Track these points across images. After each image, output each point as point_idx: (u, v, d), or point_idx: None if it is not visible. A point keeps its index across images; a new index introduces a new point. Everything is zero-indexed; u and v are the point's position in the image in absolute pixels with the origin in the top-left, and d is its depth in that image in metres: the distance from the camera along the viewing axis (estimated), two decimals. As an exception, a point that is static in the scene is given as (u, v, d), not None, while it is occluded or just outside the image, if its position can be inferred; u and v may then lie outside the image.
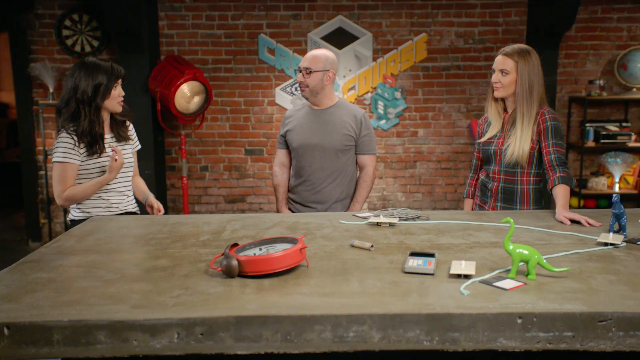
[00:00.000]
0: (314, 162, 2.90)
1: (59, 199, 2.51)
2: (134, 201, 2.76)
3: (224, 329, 1.31)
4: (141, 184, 2.84)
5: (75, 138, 2.48)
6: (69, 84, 2.48)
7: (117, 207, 2.63)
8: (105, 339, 1.30)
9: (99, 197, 2.58)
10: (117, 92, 2.53)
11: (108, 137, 2.60)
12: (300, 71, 2.87)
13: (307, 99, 2.93)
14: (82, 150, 2.50)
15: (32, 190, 5.46)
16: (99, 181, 2.52)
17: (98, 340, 1.30)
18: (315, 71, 2.84)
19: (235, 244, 1.70)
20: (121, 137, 2.64)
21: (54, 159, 2.49)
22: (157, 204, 2.72)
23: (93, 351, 1.30)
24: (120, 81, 2.54)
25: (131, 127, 2.75)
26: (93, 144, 2.50)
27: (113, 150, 2.50)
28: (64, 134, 2.48)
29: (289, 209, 3.03)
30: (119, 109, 2.57)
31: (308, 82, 2.86)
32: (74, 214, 2.61)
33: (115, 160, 2.48)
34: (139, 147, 2.80)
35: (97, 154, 2.52)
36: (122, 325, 1.30)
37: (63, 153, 2.47)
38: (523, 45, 2.51)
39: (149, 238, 2.04)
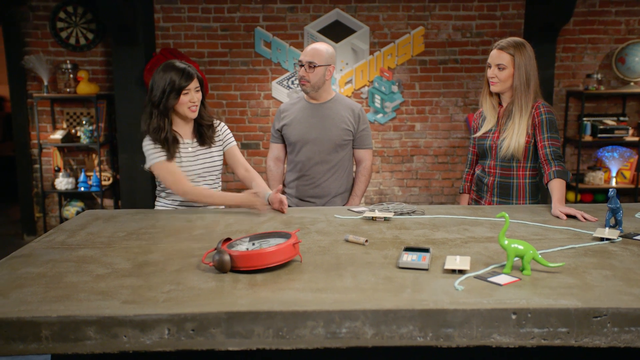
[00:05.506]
0: (312, 156, 2.87)
1: (183, 196, 2.43)
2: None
3: (215, 325, 1.30)
4: (262, 183, 2.59)
5: (152, 140, 2.41)
6: (150, 85, 2.42)
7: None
8: (95, 334, 1.28)
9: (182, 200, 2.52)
10: (188, 98, 2.37)
11: (187, 141, 2.49)
12: (302, 65, 2.79)
13: (307, 93, 2.88)
14: (163, 152, 2.42)
15: (27, 184, 5.43)
16: (223, 196, 2.47)
17: (87, 336, 1.28)
18: (318, 66, 2.77)
19: (228, 239, 1.69)
20: (205, 141, 2.51)
21: (147, 166, 2.44)
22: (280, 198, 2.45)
23: (82, 347, 1.29)
24: (192, 87, 2.37)
25: (220, 126, 2.59)
26: (163, 147, 2.41)
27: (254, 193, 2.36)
28: (145, 139, 2.43)
29: (286, 203, 3.01)
30: (190, 114, 2.41)
31: (310, 77, 2.79)
32: (159, 204, 2.57)
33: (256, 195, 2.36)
34: (233, 143, 2.62)
35: (172, 157, 2.41)
36: (111, 321, 1.29)
37: (151, 154, 2.40)
38: (517, 38, 2.49)
39: (141, 232, 2.02)
